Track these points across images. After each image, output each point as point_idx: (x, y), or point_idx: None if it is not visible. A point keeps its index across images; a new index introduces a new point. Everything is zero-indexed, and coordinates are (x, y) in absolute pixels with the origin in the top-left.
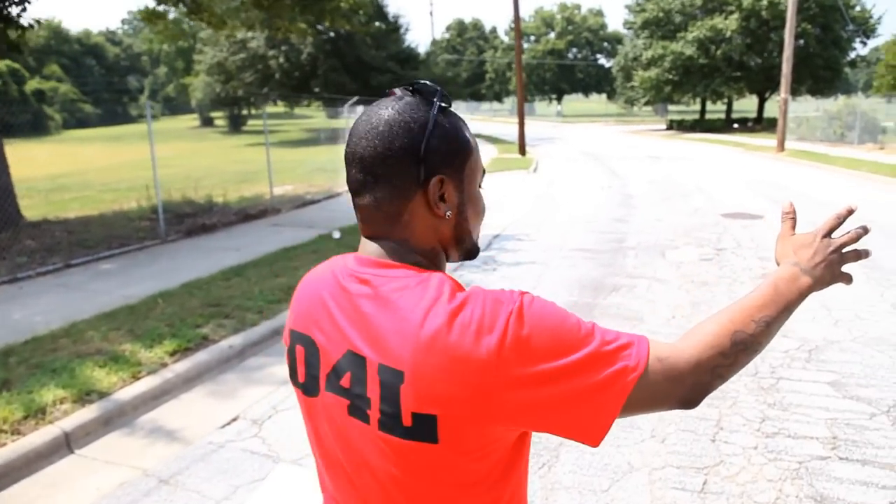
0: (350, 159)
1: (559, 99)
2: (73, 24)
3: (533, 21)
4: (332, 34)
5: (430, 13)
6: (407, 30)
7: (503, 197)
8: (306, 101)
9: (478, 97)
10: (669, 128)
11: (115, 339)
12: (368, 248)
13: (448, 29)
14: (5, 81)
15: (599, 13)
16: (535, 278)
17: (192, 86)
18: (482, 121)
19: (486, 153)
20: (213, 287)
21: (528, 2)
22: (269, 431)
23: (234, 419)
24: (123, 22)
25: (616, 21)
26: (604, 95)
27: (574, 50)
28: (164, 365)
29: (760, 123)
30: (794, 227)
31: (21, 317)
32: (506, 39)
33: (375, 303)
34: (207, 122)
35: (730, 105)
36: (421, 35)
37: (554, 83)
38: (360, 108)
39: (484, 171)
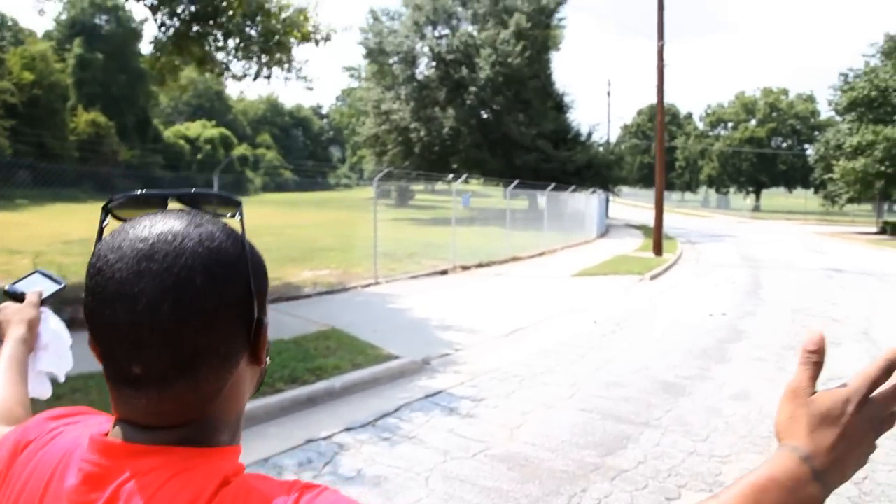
0: (137, 336)
1: (757, 192)
2: (288, 100)
3: (731, 107)
4: (478, 109)
5: (608, 93)
6: (569, 108)
7: (550, 316)
8: (447, 178)
9: (668, 186)
10: (882, 231)
11: None
12: (126, 432)
13: (639, 113)
14: (215, 147)
15: (810, 99)
16: None
17: (365, 158)
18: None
19: (612, 249)
20: None
21: (728, 86)
22: None
23: None
24: (337, 98)
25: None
26: (811, 190)
27: (778, 139)
28: None
29: None
30: (815, 378)
31: None
32: (700, 125)
33: None
34: (385, 193)
35: None
36: (597, 115)
37: (751, 174)
38: (548, 192)
39: None
